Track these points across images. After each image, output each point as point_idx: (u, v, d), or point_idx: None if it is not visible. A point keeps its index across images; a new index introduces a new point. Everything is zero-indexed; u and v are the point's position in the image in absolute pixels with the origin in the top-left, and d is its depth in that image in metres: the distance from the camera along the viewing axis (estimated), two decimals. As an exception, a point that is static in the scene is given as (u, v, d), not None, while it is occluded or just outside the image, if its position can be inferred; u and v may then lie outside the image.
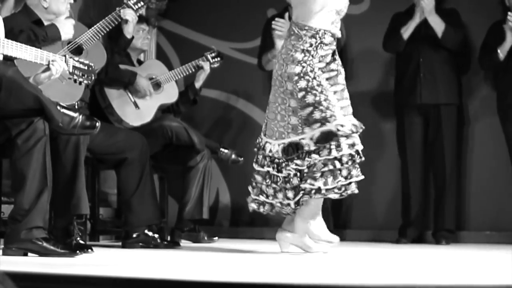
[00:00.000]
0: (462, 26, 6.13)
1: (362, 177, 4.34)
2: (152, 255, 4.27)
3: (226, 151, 5.97)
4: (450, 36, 5.99)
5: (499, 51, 5.84)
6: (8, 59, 3.78)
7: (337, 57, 4.47)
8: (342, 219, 6.54)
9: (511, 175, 5.93)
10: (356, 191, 4.33)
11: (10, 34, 4.09)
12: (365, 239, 6.35)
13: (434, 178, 6.18)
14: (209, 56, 5.93)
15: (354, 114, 4.41)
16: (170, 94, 5.71)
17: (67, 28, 4.60)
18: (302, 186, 4.29)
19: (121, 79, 5.43)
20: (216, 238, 5.78)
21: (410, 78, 6.08)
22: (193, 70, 5.88)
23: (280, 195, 4.37)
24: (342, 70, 4.47)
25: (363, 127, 4.40)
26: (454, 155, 6.12)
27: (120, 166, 4.94)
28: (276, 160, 4.38)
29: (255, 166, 4.45)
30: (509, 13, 5.76)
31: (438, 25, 5.98)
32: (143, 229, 4.93)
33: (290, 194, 4.35)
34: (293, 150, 4.32)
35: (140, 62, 5.86)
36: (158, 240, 4.94)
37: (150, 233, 4.93)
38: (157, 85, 5.65)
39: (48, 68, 3.91)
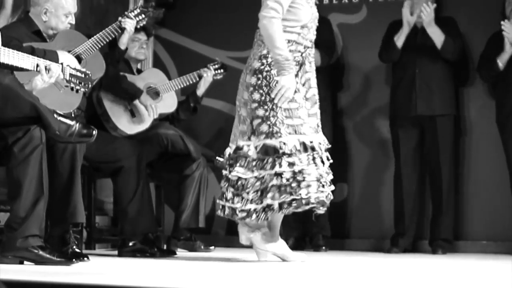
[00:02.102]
0: (459, 35, 6.10)
1: (313, 197, 4.26)
2: (148, 264, 4.26)
3: (221, 159, 5.95)
4: (450, 47, 5.95)
5: (498, 61, 5.84)
6: (4, 67, 3.78)
7: (307, 75, 4.41)
8: (340, 228, 6.53)
9: (509, 184, 5.92)
10: (307, 207, 4.28)
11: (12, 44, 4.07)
12: (363, 249, 6.33)
13: (430, 189, 6.16)
14: (211, 68, 5.93)
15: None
16: (168, 103, 5.70)
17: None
18: (261, 204, 4.30)
19: (128, 88, 5.43)
20: (213, 247, 5.76)
21: (406, 88, 6.03)
22: (194, 80, 5.87)
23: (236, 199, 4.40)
24: (304, 89, 4.40)
25: (328, 145, 4.40)
26: (452, 165, 6.08)
27: (117, 174, 4.94)
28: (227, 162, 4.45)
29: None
30: (502, 22, 5.75)
31: (437, 36, 5.94)
32: (139, 238, 4.92)
33: (236, 199, 4.37)
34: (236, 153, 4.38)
35: (139, 72, 5.85)
36: (154, 249, 4.93)
37: (146, 242, 4.93)
38: (156, 94, 5.65)
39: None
